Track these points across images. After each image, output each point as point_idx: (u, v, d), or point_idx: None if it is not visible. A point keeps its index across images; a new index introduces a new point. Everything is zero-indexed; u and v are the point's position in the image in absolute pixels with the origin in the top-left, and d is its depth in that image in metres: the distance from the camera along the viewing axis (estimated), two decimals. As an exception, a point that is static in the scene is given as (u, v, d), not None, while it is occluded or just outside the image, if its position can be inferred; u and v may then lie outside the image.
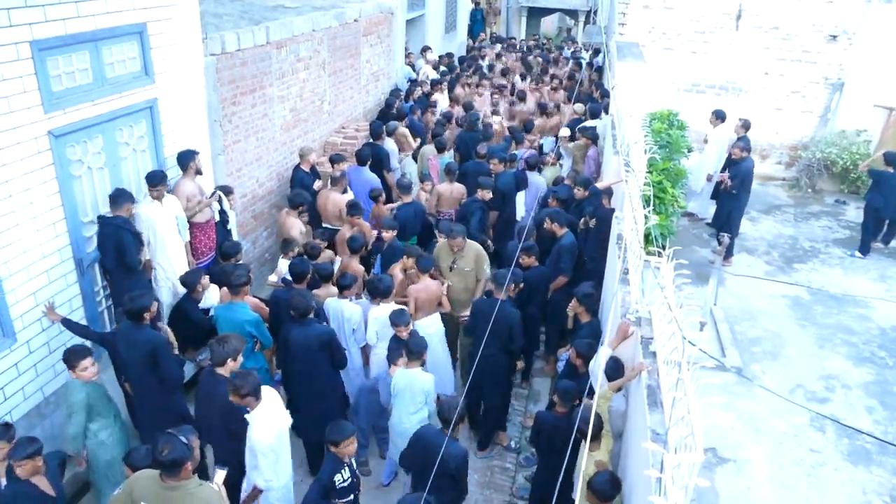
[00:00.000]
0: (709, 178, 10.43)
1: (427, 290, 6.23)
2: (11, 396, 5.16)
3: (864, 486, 5.89)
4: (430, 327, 6.22)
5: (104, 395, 4.97)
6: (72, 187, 5.43)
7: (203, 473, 4.79)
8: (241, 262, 6.32)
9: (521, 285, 6.17)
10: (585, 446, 4.27)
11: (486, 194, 7.79)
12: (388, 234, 6.91)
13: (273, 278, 6.92)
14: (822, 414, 6.54)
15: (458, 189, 8.19)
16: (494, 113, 11.45)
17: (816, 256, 10.13)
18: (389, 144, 9.35)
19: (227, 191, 7.03)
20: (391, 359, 5.39)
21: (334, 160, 8.25)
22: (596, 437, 4.31)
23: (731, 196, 9.51)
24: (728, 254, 9.42)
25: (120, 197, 5.56)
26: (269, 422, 4.36)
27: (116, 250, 5.54)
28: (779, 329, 8.15)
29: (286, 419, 4.56)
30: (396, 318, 5.48)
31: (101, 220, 5.58)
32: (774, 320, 8.34)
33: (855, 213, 11.50)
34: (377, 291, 5.83)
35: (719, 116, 10.46)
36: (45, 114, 5.02)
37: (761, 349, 7.74)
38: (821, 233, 10.96)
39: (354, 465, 4.60)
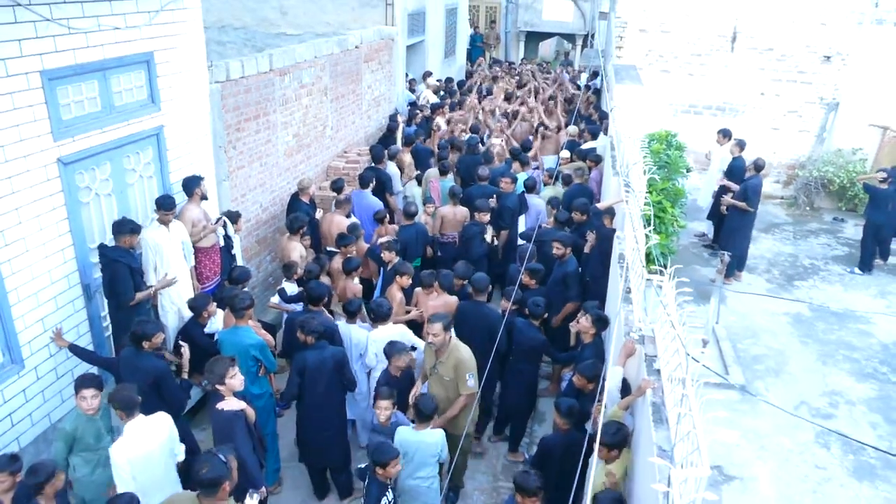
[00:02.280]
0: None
1: (446, 307, 6.30)
2: (19, 423, 5.18)
3: (870, 501, 5.88)
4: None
5: (97, 432, 4.76)
6: (80, 214, 5.50)
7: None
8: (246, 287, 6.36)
9: (546, 315, 6.26)
10: (594, 460, 4.29)
11: (484, 217, 7.89)
12: (389, 256, 6.97)
13: (275, 300, 6.98)
14: (829, 429, 6.55)
15: (462, 212, 8.28)
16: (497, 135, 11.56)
17: (816, 273, 10.19)
18: (391, 168, 9.45)
19: (235, 216, 7.11)
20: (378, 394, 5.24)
21: (336, 187, 8.35)
22: (618, 447, 4.32)
23: (733, 214, 9.58)
24: (729, 272, 9.49)
25: (122, 226, 5.59)
26: (131, 443, 4.31)
27: (110, 282, 5.61)
28: (781, 346, 8.17)
29: (153, 451, 4.40)
30: (389, 350, 5.44)
31: (101, 249, 5.64)
32: (776, 337, 8.36)
33: (853, 230, 11.58)
34: (377, 315, 5.90)
35: (726, 135, 10.58)
36: (55, 141, 5.11)
37: (764, 366, 7.76)
38: (820, 250, 11.03)
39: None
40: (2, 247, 4.81)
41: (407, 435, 4.88)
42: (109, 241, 5.75)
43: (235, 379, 4.64)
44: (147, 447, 4.37)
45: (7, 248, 4.85)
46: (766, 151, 12.88)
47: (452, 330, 6.22)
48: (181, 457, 4.62)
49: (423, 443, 4.85)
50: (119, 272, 5.57)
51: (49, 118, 5.03)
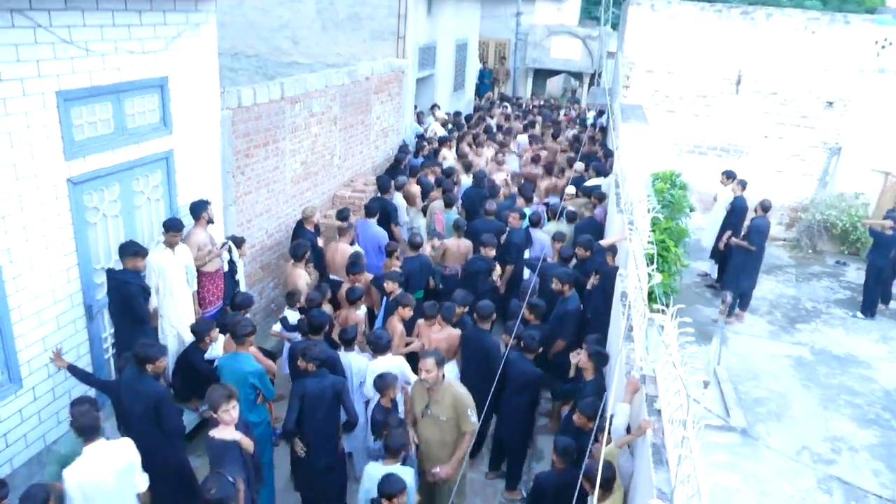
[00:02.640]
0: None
1: (449, 339, 6.30)
2: (14, 443, 5.15)
3: (873, 552, 5.80)
4: (448, 374, 6.25)
5: None
6: (86, 234, 5.52)
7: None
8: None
9: (540, 350, 6.23)
10: (594, 501, 4.23)
11: (490, 252, 7.89)
12: (391, 286, 6.96)
13: (276, 328, 6.96)
14: (831, 474, 6.47)
15: (465, 245, 8.29)
16: (500, 169, 11.63)
17: (818, 317, 10.16)
18: (398, 199, 9.50)
19: (239, 242, 7.13)
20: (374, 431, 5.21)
21: (342, 216, 8.39)
22: (608, 486, 4.26)
23: (738, 253, 9.62)
24: (730, 311, 9.49)
25: (126, 249, 5.63)
26: (85, 468, 4.20)
27: (122, 305, 5.63)
28: (783, 389, 8.12)
29: (107, 478, 4.29)
30: (381, 383, 5.32)
31: (109, 273, 5.66)
32: (778, 380, 8.32)
33: (856, 273, 11.58)
34: (376, 347, 5.87)
35: (729, 176, 10.64)
36: (66, 161, 5.16)
37: (766, 409, 7.70)
38: (822, 293, 11.02)
39: None
40: (6, 265, 4.83)
41: (376, 471, 4.73)
42: (115, 262, 5.78)
43: (228, 414, 4.55)
44: (100, 474, 4.22)
45: (12, 266, 4.87)
46: (770, 193, 12.94)
47: (449, 365, 6.23)
48: (142, 487, 4.50)
49: None
50: (133, 293, 5.59)
51: (62, 138, 5.08)
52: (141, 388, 4.94)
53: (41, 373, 5.29)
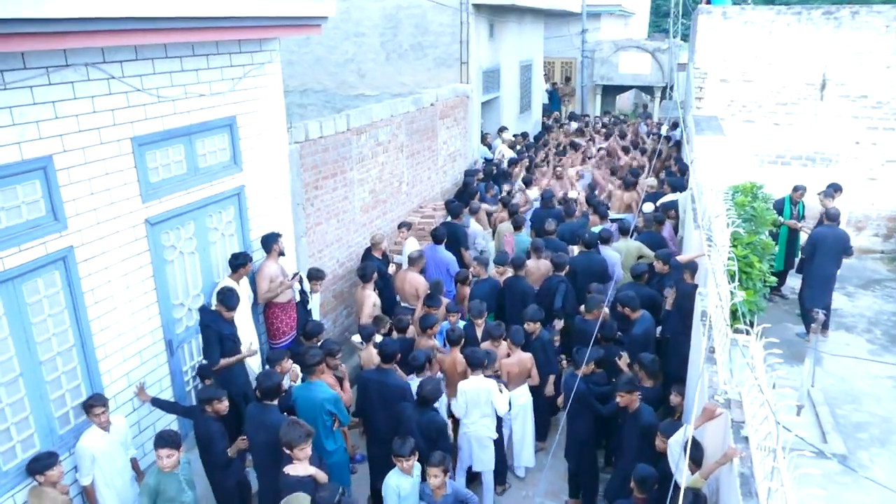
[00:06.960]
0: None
1: (520, 363, 6.30)
2: (101, 474, 5.32)
3: None
4: (521, 398, 6.41)
5: (178, 485, 4.88)
6: (164, 271, 5.73)
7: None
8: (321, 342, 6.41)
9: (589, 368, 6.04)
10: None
11: (562, 272, 7.70)
12: (453, 318, 6.92)
13: (356, 338, 6.94)
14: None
15: (545, 265, 8.13)
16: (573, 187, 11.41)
17: (926, 334, 9.39)
18: (473, 225, 9.46)
19: (315, 275, 7.25)
20: None
21: (400, 226, 8.72)
22: None
23: (806, 266, 9.15)
24: (807, 328, 8.90)
25: (221, 296, 5.88)
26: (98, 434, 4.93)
27: (206, 343, 5.89)
28: (887, 413, 7.50)
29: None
30: None
31: (201, 310, 5.95)
32: (881, 403, 7.69)
33: (966, 285, 10.67)
34: (471, 363, 5.84)
35: (836, 189, 9.91)
36: (143, 203, 5.38)
37: (868, 435, 7.12)
38: (929, 308, 10.19)
39: None
40: (92, 304, 5.05)
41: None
42: (193, 297, 5.97)
43: (304, 452, 4.66)
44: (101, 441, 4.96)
45: (96, 306, 5.09)
46: (864, 202, 12.20)
47: (523, 388, 6.11)
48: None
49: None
50: (209, 337, 5.82)
51: (138, 181, 5.31)
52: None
53: (126, 407, 5.48)
